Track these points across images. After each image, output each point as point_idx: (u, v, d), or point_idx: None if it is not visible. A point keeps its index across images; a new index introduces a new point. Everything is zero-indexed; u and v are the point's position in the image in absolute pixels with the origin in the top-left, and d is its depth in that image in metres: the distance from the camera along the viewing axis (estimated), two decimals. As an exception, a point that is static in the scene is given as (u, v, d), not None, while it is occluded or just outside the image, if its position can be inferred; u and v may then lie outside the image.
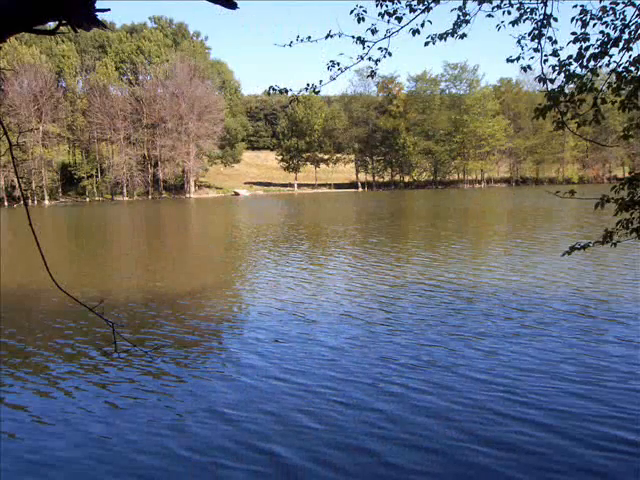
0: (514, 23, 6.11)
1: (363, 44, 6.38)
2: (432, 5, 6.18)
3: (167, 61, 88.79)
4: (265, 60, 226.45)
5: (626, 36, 5.59)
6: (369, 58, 6.48)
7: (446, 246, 21.38)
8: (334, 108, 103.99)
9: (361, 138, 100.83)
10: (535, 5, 5.92)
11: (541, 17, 5.83)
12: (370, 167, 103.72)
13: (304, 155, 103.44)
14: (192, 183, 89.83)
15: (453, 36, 6.39)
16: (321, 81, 6.56)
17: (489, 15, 6.13)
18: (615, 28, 5.61)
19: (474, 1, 6.11)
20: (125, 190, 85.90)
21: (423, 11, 6.16)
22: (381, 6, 6.21)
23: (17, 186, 76.24)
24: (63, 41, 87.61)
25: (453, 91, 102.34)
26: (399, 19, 6.20)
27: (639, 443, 5.77)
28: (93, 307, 2.94)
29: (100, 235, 32.75)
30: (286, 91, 6.78)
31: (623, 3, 5.59)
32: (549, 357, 8.32)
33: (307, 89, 6.70)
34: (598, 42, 5.62)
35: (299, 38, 6.43)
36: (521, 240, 22.51)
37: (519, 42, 6.07)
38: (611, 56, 5.63)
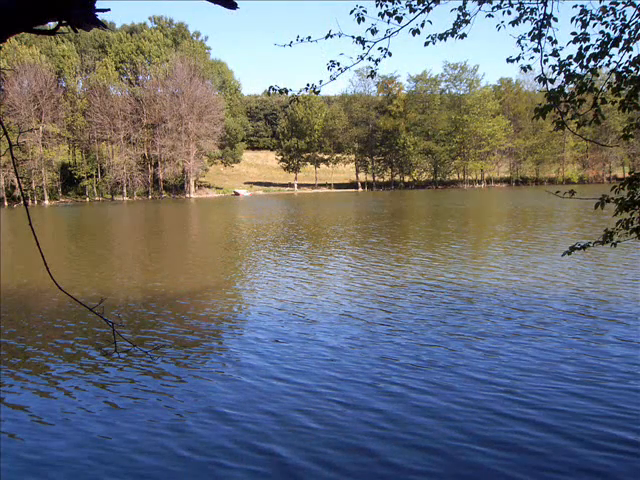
0: (514, 23, 6.12)
1: (363, 44, 6.38)
2: (432, 5, 6.19)
3: (167, 61, 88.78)
4: (265, 60, 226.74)
5: (626, 36, 5.59)
6: (369, 58, 6.49)
7: (446, 246, 21.39)
8: (334, 108, 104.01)
9: (361, 138, 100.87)
10: (535, 5, 5.93)
11: (541, 17, 5.84)
12: (370, 167, 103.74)
13: (304, 155, 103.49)
14: (192, 183, 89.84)
15: (453, 36, 6.39)
16: (321, 81, 6.57)
17: (489, 15, 6.13)
18: (615, 28, 5.61)
19: (474, 1, 6.12)
20: (125, 190, 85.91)
21: (423, 11, 6.17)
22: (381, 6, 6.21)
23: (17, 186, 76.32)
24: (63, 41, 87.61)
25: (453, 91, 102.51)
26: (399, 19, 6.20)
27: (639, 443, 5.77)
28: (93, 307, 2.95)
29: (100, 235, 32.75)
30: (286, 91, 6.78)
31: (623, 3, 5.59)
32: (549, 357, 8.33)
33: (307, 89, 6.70)
34: (598, 42, 5.62)
35: (299, 38, 6.44)
36: (521, 240, 22.51)
37: (519, 42, 6.08)
38: (611, 56, 5.64)
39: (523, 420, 6.33)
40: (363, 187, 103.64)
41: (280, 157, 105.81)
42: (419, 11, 6.15)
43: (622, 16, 5.58)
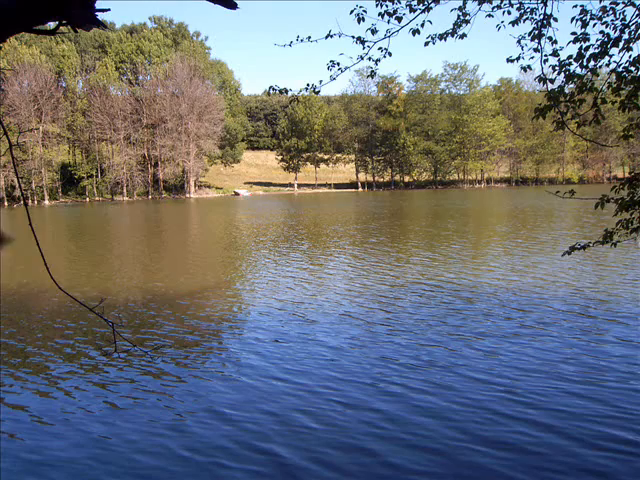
0: (514, 23, 6.13)
1: (363, 44, 6.39)
2: (432, 5, 6.19)
3: (167, 61, 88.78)
4: (265, 60, 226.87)
5: (626, 36, 5.59)
6: (369, 58, 6.49)
7: (446, 246, 21.39)
8: (334, 108, 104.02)
9: (361, 138, 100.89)
10: (535, 5, 5.93)
11: (541, 17, 5.84)
12: (370, 167, 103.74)
13: (304, 155, 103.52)
14: (192, 183, 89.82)
15: (453, 36, 6.40)
16: (321, 81, 6.57)
17: (489, 15, 6.14)
18: (615, 28, 5.62)
19: (474, 1, 6.12)
20: (125, 190, 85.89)
21: (423, 11, 6.17)
22: (381, 6, 6.22)
23: (17, 186, 76.27)
24: (63, 41, 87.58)
25: (453, 91, 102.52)
26: (399, 19, 6.21)
27: (639, 443, 5.76)
28: (93, 307, 2.95)
29: (100, 235, 32.74)
30: (286, 91, 6.78)
31: (623, 3, 5.59)
32: (549, 357, 8.32)
33: (307, 89, 6.70)
34: (598, 42, 5.63)
35: (299, 38, 6.44)
36: (521, 240, 22.51)
37: (519, 42, 6.09)
38: (611, 56, 5.64)
39: (523, 420, 6.33)
40: (363, 187, 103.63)
41: (280, 157, 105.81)
42: (419, 11, 6.15)
43: (622, 16, 5.59)
